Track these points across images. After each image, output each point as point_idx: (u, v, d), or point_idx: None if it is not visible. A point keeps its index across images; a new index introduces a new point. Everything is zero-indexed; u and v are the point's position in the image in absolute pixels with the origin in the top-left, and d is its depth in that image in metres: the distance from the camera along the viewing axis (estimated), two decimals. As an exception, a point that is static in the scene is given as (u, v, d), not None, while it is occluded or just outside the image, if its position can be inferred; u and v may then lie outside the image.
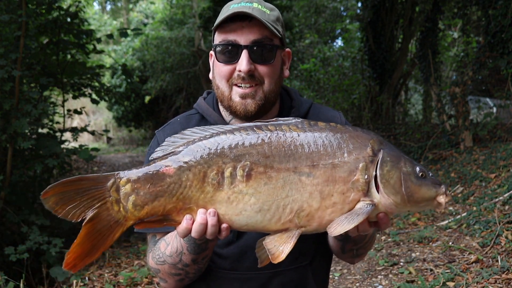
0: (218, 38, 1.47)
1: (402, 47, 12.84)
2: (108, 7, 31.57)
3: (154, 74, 18.55)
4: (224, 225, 1.19)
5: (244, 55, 1.41)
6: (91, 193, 1.16)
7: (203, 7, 14.02)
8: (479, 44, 9.51)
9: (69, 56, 7.18)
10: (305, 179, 1.18)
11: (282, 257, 1.17)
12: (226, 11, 1.46)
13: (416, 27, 12.34)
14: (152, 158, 1.22)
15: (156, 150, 1.23)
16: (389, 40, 12.47)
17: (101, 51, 7.68)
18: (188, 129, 1.25)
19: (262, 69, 1.44)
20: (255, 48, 1.42)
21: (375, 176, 1.21)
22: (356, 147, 1.21)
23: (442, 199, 1.23)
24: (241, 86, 1.44)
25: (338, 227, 1.16)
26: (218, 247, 1.52)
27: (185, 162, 1.19)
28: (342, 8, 16.67)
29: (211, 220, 1.17)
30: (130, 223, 1.19)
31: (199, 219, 1.18)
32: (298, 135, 1.21)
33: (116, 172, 1.19)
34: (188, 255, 1.39)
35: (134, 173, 1.19)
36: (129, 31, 7.36)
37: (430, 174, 1.25)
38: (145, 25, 19.23)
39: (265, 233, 1.24)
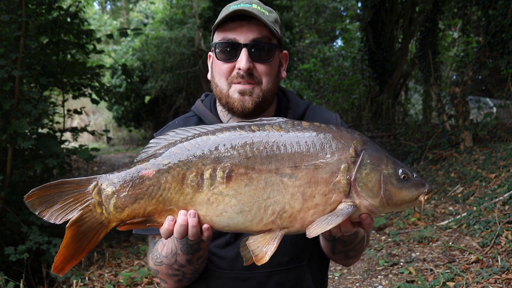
0: (217, 37, 1.49)
1: (402, 47, 12.84)
2: (108, 7, 31.59)
3: (154, 74, 18.55)
4: (205, 226, 1.20)
5: (244, 53, 1.43)
6: (73, 196, 1.19)
7: (203, 7, 14.02)
8: (479, 44, 9.50)
9: (69, 56, 7.17)
10: (287, 181, 1.17)
11: (266, 258, 1.17)
12: (225, 11, 1.48)
13: (416, 27, 12.34)
14: (136, 161, 1.24)
15: (141, 152, 1.25)
16: (389, 40, 12.48)
17: (101, 51, 7.68)
18: (172, 129, 1.26)
19: (260, 67, 1.46)
20: (254, 46, 1.44)
21: (353, 179, 1.20)
22: (339, 147, 1.20)
23: (421, 198, 1.21)
24: (238, 84, 1.46)
25: (316, 228, 1.16)
26: (216, 248, 1.54)
27: (165, 165, 1.19)
28: (342, 8, 16.66)
29: (192, 221, 1.18)
30: (113, 224, 1.22)
31: (180, 220, 1.19)
32: (281, 136, 1.20)
33: (98, 176, 1.22)
34: (182, 255, 1.40)
35: (115, 176, 1.21)
36: (129, 31, 7.36)
37: (414, 175, 1.23)
38: (145, 25, 19.24)
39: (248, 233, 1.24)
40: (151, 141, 1.26)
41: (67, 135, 7.47)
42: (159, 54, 17.81)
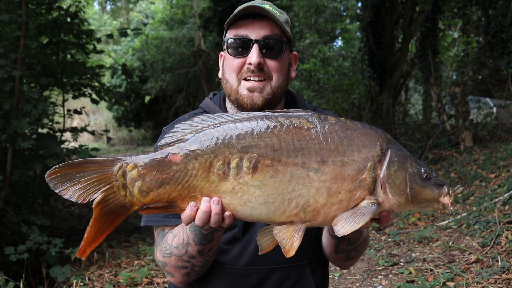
0: (230, 34, 1.54)
1: (402, 47, 12.84)
2: (108, 7, 31.59)
3: (154, 74, 18.56)
4: (227, 213, 1.20)
5: (255, 48, 1.47)
6: (97, 176, 1.16)
7: (203, 7, 14.03)
8: (479, 44, 9.50)
9: (69, 56, 7.17)
10: (313, 175, 1.18)
11: (293, 251, 1.18)
12: (237, 9, 1.52)
13: (416, 27, 12.34)
14: (160, 145, 1.21)
15: (165, 136, 1.23)
16: (389, 40, 12.47)
17: (101, 51, 7.67)
18: (198, 116, 1.25)
19: (271, 63, 1.50)
20: (265, 43, 1.49)
21: (382, 176, 1.21)
22: (365, 145, 1.21)
23: (445, 199, 1.24)
24: (249, 80, 1.49)
25: (346, 227, 1.17)
26: (222, 243, 1.54)
27: (192, 151, 1.18)
28: (342, 8, 16.65)
29: (215, 209, 1.18)
30: (135, 208, 1.20)
31: (203, 207, 1.18)
32: (309, 130, 1.20)
33: (123, 157, 1.19)
34: (194, 246, 1.40)
35: (141, 159, 1.18)
36: (129, 31, 7.35)
37: (434, 175, 1.26)
38: (145, 25, 19.25)
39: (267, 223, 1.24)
40: (176, 125, 1.23)
41: (67, 135, 7.46)
42: (159, 54, 17.82)
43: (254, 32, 1.49)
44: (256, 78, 1.49)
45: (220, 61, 1.63)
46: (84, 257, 1.19)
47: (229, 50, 1.52)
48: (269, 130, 1.19)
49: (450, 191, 1.25)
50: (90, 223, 1.16)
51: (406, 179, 1.21)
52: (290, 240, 1.19)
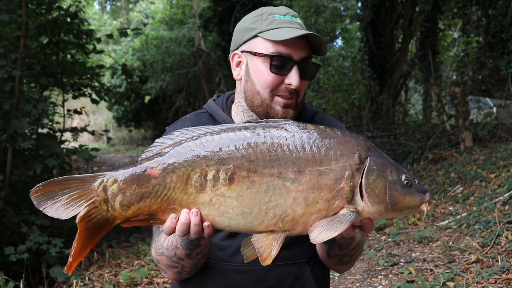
0: (270, 48, 1.47)
1: (402, 47, 12.85)
2: (108, 7, 31.59)
3: (154, 74, 18.55)
4: (206, 223, 1.22)
5: (296, 70, 1.45)
6: (78, 192, 1.19)
7: (203, 7, 14.02)
8: (479, 44, 9.51)
9: (69, 56, 7.17)
10: (290, 185, 1.18)
11: (270, 259, 1.19)
12: (277, 22, 1.48)
13: (416, 27, 12.35)
14: (141, 159, 1.24)
15: (146, 150, 1.26)
16: (389, 40, 12.48)
17: (101, 51, 7.68)
18: (177, 129, 1.27)
19: (303, 84, 1.50)
20: (304, 64, 1.48)
21: (360, 184, 1.21)
22: (343, 154, 1.21)
23: (424, 207, 1.24)
24: (283, 97, 1.48)
25: (322, 234, 1.17)
26: (218, 240, 1.56)
27: (170, 164, 1.20)
28: (342, 8, 16.65)
29: (194, 220, 1.20)
30: (117, 221, 1.22)
31: (182, 218, 1.21)
32: (286, 139, 1.21)
33: (104, 173, 1.22)
34: (181, 249, 1.43)
35: (121, 174, 1.21)
36: (129, 31, 7.36)
37: (416, 182, 1.25)
38: (145, 25, 19.23)
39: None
40: (156, 140, 1.26)
41: (67, 135, 7.47)
42: (159, 54, 17.80)
43: (296, 52, 1.46)
44: (290, 97, 1.49)
45: (233, 60, 1.57)
46: (70, 272, 1.22)
47: (270, 66, 1.46)
48: (245, 141, 1.20)
49: (431, 198, 1.25)
50: (76, 238, 1.19)
51: (386, 187, 1.21)
52: (268, 248, 1.20)
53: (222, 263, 1.56)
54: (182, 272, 1.53)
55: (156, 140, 1.26)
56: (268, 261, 1.19)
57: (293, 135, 1.21)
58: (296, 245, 1.55)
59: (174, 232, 1.23)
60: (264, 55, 1.47)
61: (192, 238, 1.36)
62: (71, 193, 1.19)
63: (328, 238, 1.17)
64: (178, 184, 1.19)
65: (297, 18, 1.52)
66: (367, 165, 1.21)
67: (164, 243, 1.48)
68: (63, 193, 1.18)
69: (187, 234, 1.23)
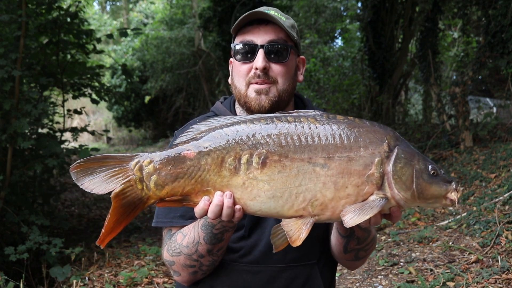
0: (236, 40, 1.59)
1: (402, 47, 12.83)
2: (108, 7, 31.59)
3: (154, 74, 18.56)
4: (237, 206, 1.25)
5: (260, 53, 1.52)
6: (116, 170, 1.25)
7: (203, 7, 14.03)
8: (479, 44, 9.50)
9: (69, 56, 7.16)
10: (320, 170, 1.22)
11: (300, 241, 1.22)
12: (242, 17, 1.57)
13: (416, 27, 12.33)
14: (176, 143, 1.29)
15: (181, 135, 1.31)
16: (389, 40, 12.46)
17: (101, 51, 7.67)
18: (213, 117, 1.32)
19: (276, 68, 1.54)
20: (270, 47, 1.53)
21: (388, 171, 1.25)
22: (372, 141, 1.26)
23: (453, 195, 1.26)
24: (256, 84, 1.54)
25: (354, 218, 1.20)
26: (231, 242, 1.57)
27: (205, 147, 1.25)
28: (342, 8, 16.65)
29: (227, 202, 1.24)
30: (151, 201, 1.27)
31: (216, 200, 1.24)
32: (316, 127, 1.26)
33: (140, 153, 1.28)
34: (204, 245, 1.45)
35: (157, 155, 1.27)
36: (129, 31, 7.35)
37: (442, 172, 1.29)
38: (145, 25, 19.25)
39: (279, 219, 1.29)
40: (191, 126, 1.31)
41: (67, 135, 7.46)
42: (159, 54, 17.81)
43: (260, 37, 1.53)
44: (262, 82, 1.54)
45: (230, 67, 1.67)
46: (103, 245, 1.27)
47: (236, 56, 1.57)
48: (277, 128, 1.25)
49: (458, 187, 1.27)
50: (110, 213, 1.24)
51: (413, 175, 1.25)
52: (298, 231, 1.23)
53: (234, 264, 1.58)
54: (198, 272, 1.53)
55: (191, 126, 1.31)
56: (298, 243, 1.22)
57: (323, 124, 1.27)
58: (307, 247, 1.55)
59: (206, 214, 1.26)
60: (232, 49, 1.58)
61: (216, 231, 1.40)
62: (109, 171, 1.24)
63: (361, 221, 1.20)
64: (212, 167, 1.24)
65: (271, 11, 1.55)
66: (395, 153, 1.25)
67: (184, 241, 1.50)
68: (101, 170, 1.24)
69: (219, 216, 1.25)
